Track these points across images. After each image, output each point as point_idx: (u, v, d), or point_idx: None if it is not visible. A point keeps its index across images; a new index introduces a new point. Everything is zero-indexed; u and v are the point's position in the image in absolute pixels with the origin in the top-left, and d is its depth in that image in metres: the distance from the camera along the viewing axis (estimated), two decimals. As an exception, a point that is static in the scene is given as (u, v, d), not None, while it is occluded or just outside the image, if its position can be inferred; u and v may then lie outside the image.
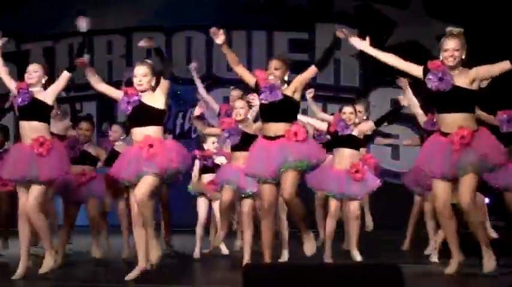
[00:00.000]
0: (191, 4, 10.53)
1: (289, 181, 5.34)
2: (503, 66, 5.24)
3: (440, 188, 5.24)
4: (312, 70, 5.53)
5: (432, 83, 5.20)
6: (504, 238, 6.65)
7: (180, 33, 10.68)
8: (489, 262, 5.31)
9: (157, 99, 5.44)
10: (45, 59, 10.57)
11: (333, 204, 6.35)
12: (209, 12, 10.52)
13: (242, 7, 10.48)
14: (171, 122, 10.54)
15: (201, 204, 7.22)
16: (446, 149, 5.17)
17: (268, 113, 5.47)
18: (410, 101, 6.57)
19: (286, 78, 5.52)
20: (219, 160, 6.87)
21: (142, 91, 5.46)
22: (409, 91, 6.66)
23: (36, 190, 5.55)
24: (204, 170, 7.17)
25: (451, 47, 5.18)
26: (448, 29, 5.31)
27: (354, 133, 6.38)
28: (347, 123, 6.36)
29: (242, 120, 6.14)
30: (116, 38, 10.73)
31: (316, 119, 6.75)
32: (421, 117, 6.76)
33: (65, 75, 5.76)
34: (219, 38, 5.54)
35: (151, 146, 5.28)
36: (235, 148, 6.16)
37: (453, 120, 5.16)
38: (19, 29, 10.82)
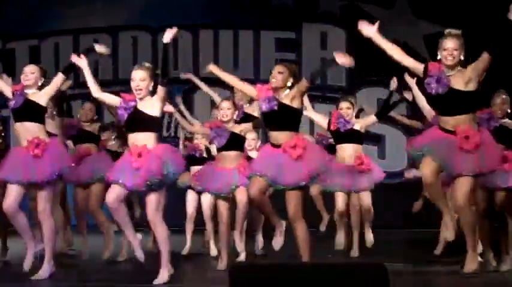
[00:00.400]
0: (177, 3, 10.51)
1: (293, 201, 5.33)
2: (483, 58, 5.25)
3: (431, 165, 5.24)
4: (306, 84, 5.42)
5: (431, 86, 5.23)
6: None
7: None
8: (471, 263, 5.33)
9: (153, 106, 5.41)
10: (31, 57, 10.52)
11: (340, 199, 6.41)
12: (195, 12, 10.51)
13: (228, 7, 10.47)
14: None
15: (190, 197, 7.20)
16: (449, 142, 5.20)
17: (268, 121, 5.46)
18: (417, 97, 6.49)
19: (289, 83, 5.45)
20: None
21: (140, 98, 5.42)
22: (416, 88, 6.57)
23: (43, 193, 5.57)
24: (192, 162, 7.11)
25: (451, 47, 5.23)
26: (447, 30, 5.34)
27: (355, 127, 6.44)
28: (346, 118, 6.42)
29: (228, 121, 6.13)
30: (102, 37, 10.68)
31: (316, 114, 6.75)
32: (429, 112, 6.52)
33: (60, 78, 5.72)
34: (208, 68, 5.83)
35: (139, 155, 5.28)
36: (222, 149, 6.16)
37: (453, 122, 5.23)
38: (4, 27, 10.77)
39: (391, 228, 8.32)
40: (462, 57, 5.26)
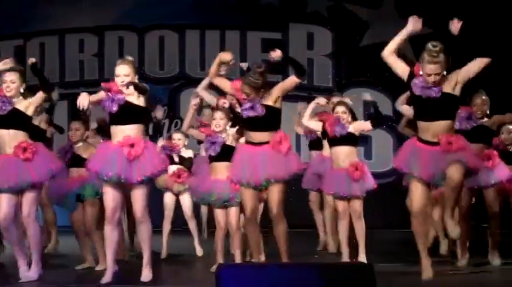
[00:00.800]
0: (164, 3, 10.48)
1: (275, 197, 5.40)
2: (482, 61, 5.24)
3: (419, 192, 5.25)
4: (292, 80, 5.50)
5: (420, 89, 5.18)
6: (476, 237, 6.72)
7: (153, 32, 10.62)
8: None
9: (139, 99, 5.42)
10: (15, 57, 10.44)
11: (340, 204, 6.38)
12: (182, 12, 10.48)
13: (215, 7, 10.46)
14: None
15: (168, 199, 7.17)
16: (433, 153, 5.16)
17: (251, 124, 5.47)
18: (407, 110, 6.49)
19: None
20: None
21: (127, 92, 5.41)
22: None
23: (30, 196, 5.51)
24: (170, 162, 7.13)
25: (433, 73, 5.20)
26: (428, 51, 5.30)
27: (350, 130, 6.41)
28: (343, 123, 6.37)
29: (221, 131, 6.11)
30: (87, 37, 10.64)
31: (312, 122, 6.71)
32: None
33: (40, 96, 5.65)
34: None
35: (132, 145, 5.27)
36: (214, 159, 6.15)
37: (437, 128, 5.18)
38: (-11, 27, 10.69)
39: (380, 228, 8.33)
40: (445, 73, 5.24)
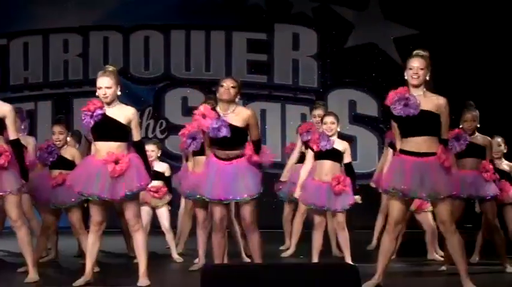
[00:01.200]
0: (149, 3, 10.44)
1: (248, 208, 5.37)
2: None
3: (397, 208, 5.25)
4: (253, 136, 5.44)
5: (399, 111, 5.20)
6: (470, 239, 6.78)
7: (138, 32, 10.59)
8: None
9: (123, 113, 5.38)
10: (-1, 57, 10.40)
11: (317, 217, 6.34)
12: (167, 12, 10.46)
13: (200, 7, 10.43)
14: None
15: (144, 213, 7.01)
16: (418, 167, 5.17)
17: (218, 143, 5.37)
18: None
19: (237, 100, 5.47)
20: None
21: (108, 103, 5.38)
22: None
23: (13, 200, 5.50)
24: None
25: (416, 66, 5.23)
26: (415, 51, 5.35)
27: (336, 147, 6.35)
28: (328, 137, 6.34)
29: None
30: (72, 37, 10.58)
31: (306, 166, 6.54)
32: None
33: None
34: None
35: (116, 162, 5.25)
36: (196, 153, 6.14)
37: (420, 143, 5.18)
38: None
39: (364, 229, 8.33)
40: (428, 78, 5.26)
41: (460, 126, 6.32)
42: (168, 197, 7.03)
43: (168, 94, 10.48)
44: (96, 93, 5.41)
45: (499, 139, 6.83)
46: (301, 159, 7.36)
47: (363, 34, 10.41)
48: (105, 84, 5.36)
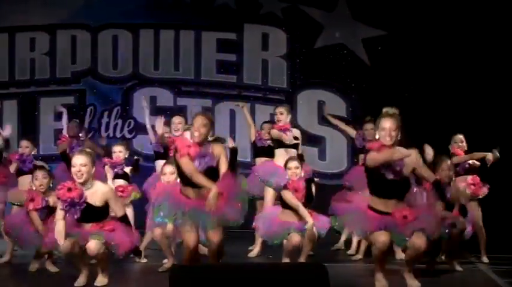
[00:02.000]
0: (118, 2, 10.35)
1: (219, 237, 5.32)
2: (430, 176, 5.55)
3: (381, 235, 5.32)
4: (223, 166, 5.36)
5: (389, 175, 5.28)
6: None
7: (106, 31, 10.48)
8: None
9: (99, 193, 5.39)
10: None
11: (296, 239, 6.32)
12: (136, 11, 10.38)
13: (169, 6, 10.37)
14: (96, 120, 10.34)
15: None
16: (383, 220, 5.30)
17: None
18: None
19: (209, 138, 5.43)
20: None
21: (82, 183, 5.37)
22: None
23: None
24: (114, 176, 7.18)
25: (388, 127, 5.25)
26: (384, 109, 5.41)
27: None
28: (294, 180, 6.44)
29: (181, 134, 6.06)
30: (39, 35, 10.44)
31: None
32: (351, 131, 7.78)
33: None
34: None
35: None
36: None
37: (393, 204, 5.31)
38: None
39: (333, 229, 8.34)
40: (399, 138, 5.30)
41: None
42: (133, 196, 7.10)
43: (136, 93, 10.40)
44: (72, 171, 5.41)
45: (461, 136, 7.15)
46: (266, 152, 7.41)
47: (332, 35, 10.44)
48: (80, 161, 5.37)
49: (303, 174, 6.51)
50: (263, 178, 7.29)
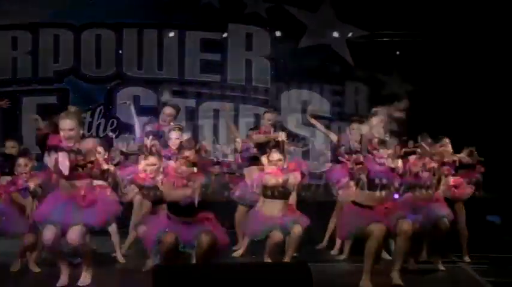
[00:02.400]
0: (101, 1, 10.31)
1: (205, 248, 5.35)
2: None
3: (377, 228, 5.55)
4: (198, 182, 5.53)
5: (376, 171, 5.61)
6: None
7: (89, 30, 10.43)
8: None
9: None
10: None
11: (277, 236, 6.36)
12: (119, 11, 10.33)
13: (153, 5, 10.34)
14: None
15: None
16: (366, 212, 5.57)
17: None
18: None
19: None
20: None
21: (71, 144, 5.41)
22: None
23: None
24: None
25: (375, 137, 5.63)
26: (373, 109, 5.78)
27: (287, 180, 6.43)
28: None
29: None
30: (21, 34, 10.37)
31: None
32: (333, 136, 7.92)
33: None
34: None
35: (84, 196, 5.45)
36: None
37: (379, 197, 5.60)
38: None
39: (317, 228, 8.37)
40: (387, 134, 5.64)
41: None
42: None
43: (119, 93, 10.35)
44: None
45: (447, 140, 7.25)
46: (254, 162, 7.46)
47: (316, 35, 10.46)
48: (68, 126, 5.38)
49: (285, 166, 6.48)
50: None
